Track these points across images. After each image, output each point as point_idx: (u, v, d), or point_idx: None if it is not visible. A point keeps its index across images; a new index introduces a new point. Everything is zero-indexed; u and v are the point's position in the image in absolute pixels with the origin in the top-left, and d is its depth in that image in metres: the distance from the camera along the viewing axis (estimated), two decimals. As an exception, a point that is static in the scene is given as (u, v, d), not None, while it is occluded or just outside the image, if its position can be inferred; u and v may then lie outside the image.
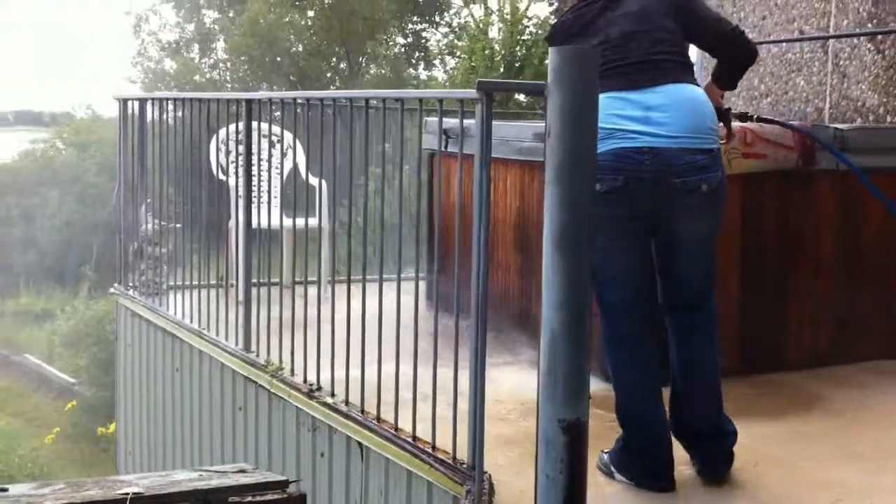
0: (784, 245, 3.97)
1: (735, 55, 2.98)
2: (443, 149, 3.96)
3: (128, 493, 1.89)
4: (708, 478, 2.86)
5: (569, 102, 2.34)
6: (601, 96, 2.49)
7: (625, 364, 2.84)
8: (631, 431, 2.85)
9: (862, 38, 4.76)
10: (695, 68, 3.01)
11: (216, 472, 2.13)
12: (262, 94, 4.96)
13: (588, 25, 2.87)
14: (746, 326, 3.90)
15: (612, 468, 2.89)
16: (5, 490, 1.88)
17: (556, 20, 3.08)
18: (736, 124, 3.65)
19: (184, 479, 2.05)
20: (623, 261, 2.80)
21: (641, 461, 2.83)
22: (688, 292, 2.87)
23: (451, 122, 3.54)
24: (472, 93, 2.73)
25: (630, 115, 2.72)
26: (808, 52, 5.00)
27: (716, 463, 2.87)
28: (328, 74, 21.24)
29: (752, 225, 3.86)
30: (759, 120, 3.70)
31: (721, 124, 3.06)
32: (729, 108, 3.25)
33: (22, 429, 11.82)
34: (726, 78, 3.07)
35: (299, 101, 4.07)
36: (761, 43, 5.12)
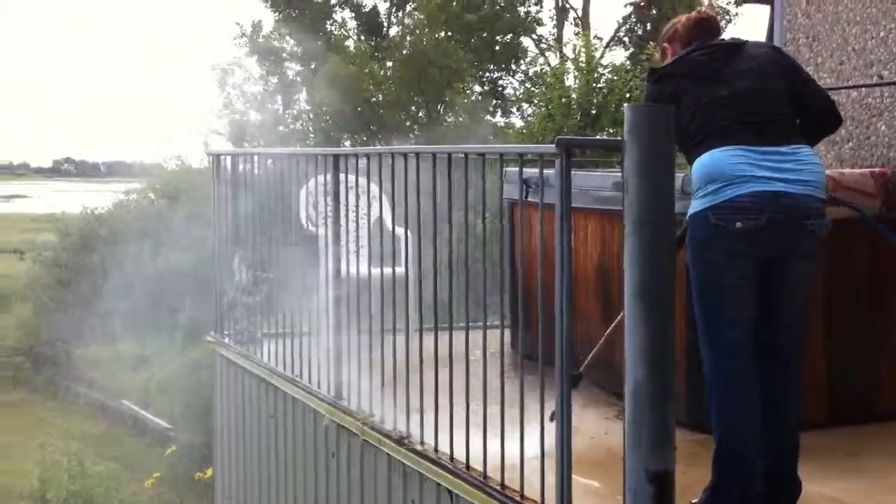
0: (870, 293, 3.95)
1: (829, 124, 3.23)
2: (523, 198, 4.07)
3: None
4: None
5: (645, 158, 2.44)
6: (734, 148, 2.85)
7: (733, 403, 2.90)
8: (726, 473, 2.89)
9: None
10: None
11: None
12: (348, 150, 5.16)
13: (716, 73, 3.03)
14: (834, 377, 3.87)
15: None
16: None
17: (678, 57, 3.16)
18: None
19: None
20: (741, 299, 2.93)
21: None
22: (782, 338, 2.98)
23: (530, 172, 3.65)
24: (550, 148, 2.85)
25: (765, 166, 2.87)
26: (889, 98, 4.99)
27: None
28: (407, 123, 21.62)
29: (837, 273, 3.86)
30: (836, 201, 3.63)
31: None
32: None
33: (120, 473, 12.19)
34: (810, 142, 3.16)
35: (384, 154, 4.24)
36: (840, 88, 5.13)
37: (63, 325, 18.23)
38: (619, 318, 3.33)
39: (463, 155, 3.54)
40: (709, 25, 3.21)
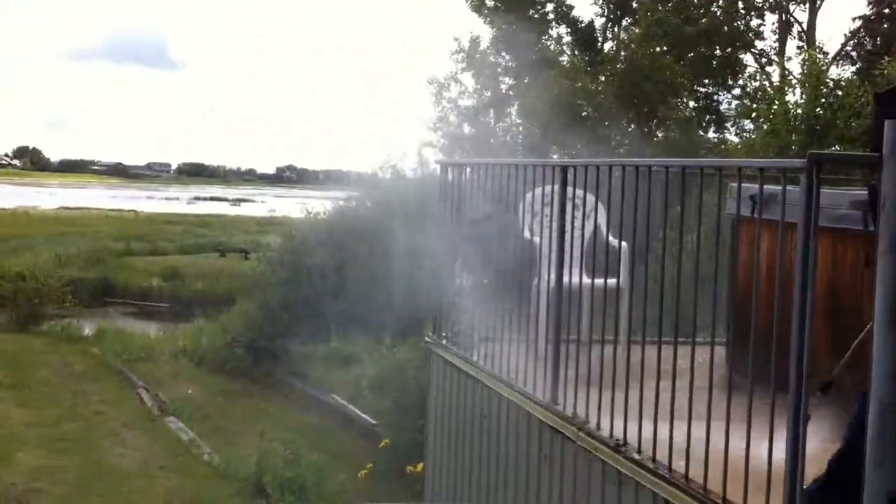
0: None
1: None
2: (750, 215, 4.01)
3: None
4: None
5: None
6: None
7: None
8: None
9: None
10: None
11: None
12: (577, 161, 5.26)
13: None
14: None
15: None
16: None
17: None
18: None
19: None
20: None
21: None
22: None
23: (753, 189, 3.60)
24: (798, 162, 2.82)
25: None
26: None
27: None
28: (617, 137, 21.46)
29: None
30: None
31: None
32: None
33: (331, 464, 12.78)
34: None
35: (613, 166, 4.30)
36: None
37: (283, 321, 19.30)
38: (864, 332, 3.23)
39: (699, 169, 3.55)
40: None
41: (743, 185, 4.69)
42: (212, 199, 74.81)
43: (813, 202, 2.75)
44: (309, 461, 12.21)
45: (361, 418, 15.08)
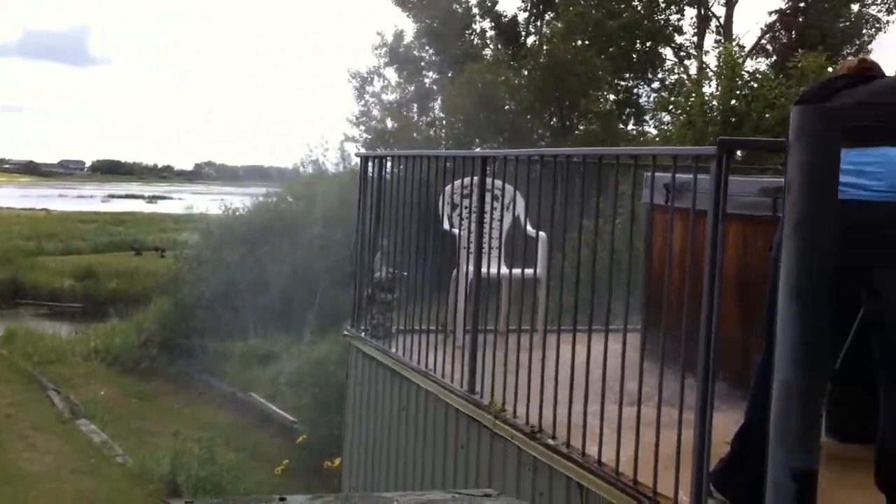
0: None
1: None
2: (663, 203, 4.05)
3: (391, 507, 2.07)
4: None
5: (810, 159, 2.41)
6: None
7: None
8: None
9: None
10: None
11: (466, 494, 2.29)
12: (497, 152, 5.25)
13: (832, 94, 3.11)
14: None
15: None
16: (284, 500, 2.10)
17: (821, 83, 3.42)
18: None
19: (439, 498, 2.22)
20: None
21: None
22: (894, 345, 2.89)
23: (667, 177, 3.63)
24: (710, 149, 2.84)
25: (846, 169, 2.80)
26: None
27: None
28: (539, 131, 21.63)
29: None
30: None
31: None
32: None
33: (247, 462, 12.62)
34: None
35: (532, 157, 4.29)
36: None
37: (199, 319, 18.99)
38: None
39: (615, 157, 3.56)
40: (866, 66, 3.31)
41: (658, 174, 4.77)
42: (127, 196, 73.14)
43: (722, 187, 2.77)
44: (225, 460, 12.03)
45: (280, 415, 14.93)
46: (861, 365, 3.16)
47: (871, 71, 3.26)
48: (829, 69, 12.09)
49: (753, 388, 2.99)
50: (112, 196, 72.33)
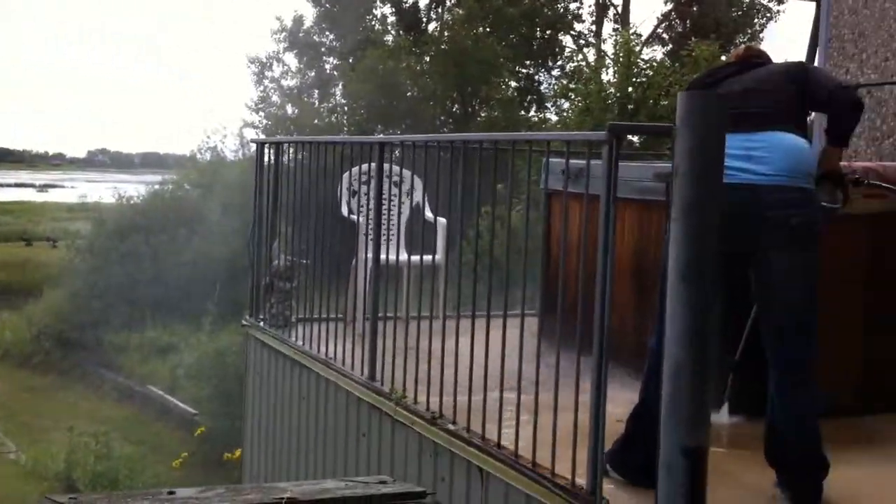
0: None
1: (839, 107, 3.19)
2: (562, 188, 4.08)
3: (283, 497, 2.04)
4: None
5: (696, 144, 2.46)
6: None
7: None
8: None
9: None
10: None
11: (360, 482, 2.28)
12: (394, 137, 5.22)
13: (719, 81, 3.21)
14: (869, 367, 3.87)
15: None
16: (173, 493, 2.05)
17: (708, 70, 3.49)
18: (859, 164, 3.71)
19: (332, 486, 2.20)
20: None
21: None
22: (782, 325, 3.02)
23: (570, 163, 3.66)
24: (601, 135, 2.87)
25: (734, 154, 2.91)
26: (932, 93, 4.96)
27: (806, 495, 2.98)
28: (441, 117, 21.68)
29: (876, 265, 3.85)
30: (871, 185, 3.63)
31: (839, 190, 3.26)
32: (845, 175, 3.32)
33: (146, 455, 12.34)
34: (833, 132, 3.22)
35: (430, 143, 4.27)
36: (884, 84, 5.09)
37: (94, 311, 18.45)
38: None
39: (510, 143, 3.58)
40: (753, 54, 3.40)
41: (556, 159, 4.81)
42: (17, 185, 70.28)
43: (613, 171, 2.80)
44: (122, 454, 11.73)
45: (180, 408, 14.64)
46: (749, 343, 3.27)
47: (758, 58, 3.35)
48: (723, 57, 12.44)
49: (647, 370, 3.05)
50: (0, 185, 69.47)
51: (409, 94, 20.75)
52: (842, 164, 3.51)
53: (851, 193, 3.36)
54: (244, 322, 6.11)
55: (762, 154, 3.00)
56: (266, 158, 5.95)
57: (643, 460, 2.83)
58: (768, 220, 2.95)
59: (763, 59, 3.35)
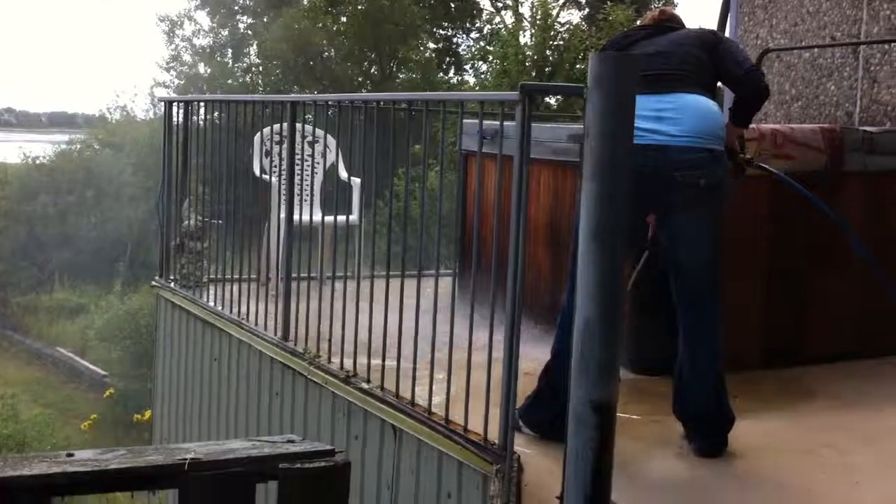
0: (811, 243, 4.04)
1: (746, 92, 3.26)
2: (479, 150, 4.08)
3: (186, 458, 1.99)
4: (704, 457, 3.04)
5: (608, 105, 2.47)
6: None
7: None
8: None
9: (893, 45, 4.83)
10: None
11: (267, 441, 2.24)
12: (305, 97, 5.12)
13: (632, 44, 3.24)
14: (770, 322, 3.99)
15: None
16: (71, 455, 1.98)
17: (622, 33, 3.49)
18: (767, 126, 3.80)
19: (239, 447, 2.16)
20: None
21: None
22: (689, 284, 3.09)
23: (486, 124, 3.64)
24: (513, 95, 2.86)
25: (644, 115, 2.94)
26: (840, 58, 5.08)
27: (712, 445, 3.06)
28: (359, 79, 21.44)
29: (780, 224, 3.94)
30: (760, 168, 3.65)
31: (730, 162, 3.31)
32: (740, 153, 3.37)
33: (55, 418, 12.06)
34: (738, 114, 3.31)
35: (343, 103, 4.21)
36: (793, 49, 5.20)
37: (1, 273, 17.89)
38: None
39: (423, 103, 3.54)
40: (666, 17, 3.42)
41: (473, 121, 4.79)
42: (-85, 143, 67.15)
43: (526, 131, 2.80)
44: (30, 417, 11.44)
45: (91, 370, 14.34)
46: (662, 300, 3.31)
47: (670, 21, 3.38)
48: (637, 21, 12.57)
49: (558, 327, 3.08)
50: None
51: (325, 54, 20.45)
52: (751, 126, 3.60)
53: (753, 154, 3.44)
54: (154, 283, 5.97)
55: (672, 115, 3.03)
56: (175, 118, 5.80)
57: (554, 415, 2.87)
58: (677, 181, 2.99)
59: (676, 23, 3.38)
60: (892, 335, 4.12)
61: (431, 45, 22.48)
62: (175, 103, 5.90)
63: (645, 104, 2.99)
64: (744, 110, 3.29)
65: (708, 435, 3.07)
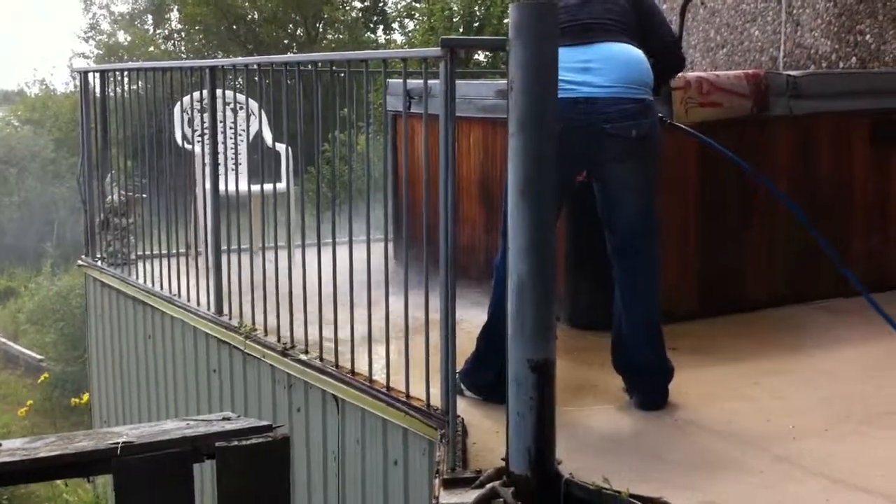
0: (740, 190, 4.07)
1: (670, 62, 3.26)
2: (407, 110, 4.00)
3: (118, 443, 1.94)
4: (646, 409, 3.04)
5: (529, 56, 2.42)
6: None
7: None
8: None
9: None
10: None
11: (203, 420, 2.19)
12: (224, 61, 4.97)
13: None
14: (705, 270, 4.02)
15: None
16: (-1, 445, 1.92)
17: None
18: (693, 74, 3.79)
19: (172, 427, 2.11)
20: None
21: None
22: (624, 236, 3.07)
23: (413, 84, 3.58)
24: (435, 51, 2.78)
25: (571, 67, 2.90)
26: (763, 3, 5.10)
27: (653, 397, 3.08)
28: (285, 41, 21.04)
29: (710, 172, 3.95)
30: (673, 126, 3.58)
31: None
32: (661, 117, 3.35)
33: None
34: (654, 83, 3.20)
35: (263, 66, 4.09)
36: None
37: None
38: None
39: (346, 63, 3.45)
40: None
41: (397, 80, 4.70)
42: None
43: (450, 87, 2.73)
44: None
45: (26, 354, 13.97)
46: (595, 256, 3.30)
47: None
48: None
49: (494, 287, 3.05)
50: None
51: (248, 17, 20.00)
52: (678, 75, 3.59)
53: (687, 104, 3.43)
54: (81, 262, 5.81)
55: (599, 66, 2.98)
56: (93, 89, 5.60)
57: (495, 376, 2.85)
58: (608, 133, 2.95)
59: None
60: (823, 281, 4.19)
61: (357, 4, 22.14)
62: (91, 73, 5.70)
63: (572, 56, 2.94)
64: (660, 81, 3.24)
65: (648, 387, 3.08)
